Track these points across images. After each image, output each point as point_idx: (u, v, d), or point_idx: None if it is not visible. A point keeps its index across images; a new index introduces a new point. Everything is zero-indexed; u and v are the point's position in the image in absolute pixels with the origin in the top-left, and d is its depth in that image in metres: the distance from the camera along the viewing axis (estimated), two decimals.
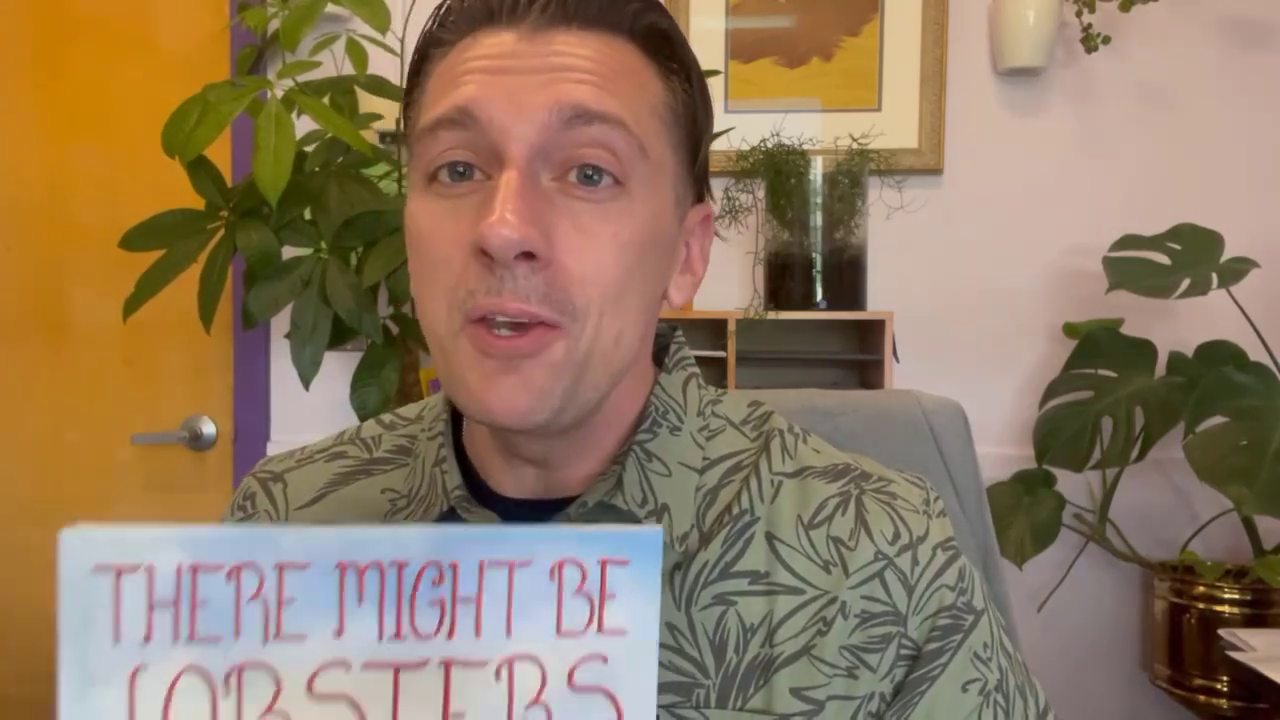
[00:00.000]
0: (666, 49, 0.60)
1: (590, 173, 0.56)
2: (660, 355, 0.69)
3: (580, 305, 0.55)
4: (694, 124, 0.62)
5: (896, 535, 0.62)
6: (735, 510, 0.63)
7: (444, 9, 0.60)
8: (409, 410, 0.75)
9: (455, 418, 0.69)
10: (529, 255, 0.53)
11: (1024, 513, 1.72)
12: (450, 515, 0.64)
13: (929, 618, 0.61)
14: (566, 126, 0.55)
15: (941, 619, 0.61)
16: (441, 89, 0.58)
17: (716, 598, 0.61)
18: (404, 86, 0.64)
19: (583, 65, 0.56)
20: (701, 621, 0.60)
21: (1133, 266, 1.69)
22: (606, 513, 0.62)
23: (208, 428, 1.97)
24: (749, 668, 0.60)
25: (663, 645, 0.59)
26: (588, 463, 0.63)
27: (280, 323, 1.81)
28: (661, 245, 0.60)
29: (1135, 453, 1.70)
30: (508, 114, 0.55)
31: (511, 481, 0.64)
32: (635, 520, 0.61)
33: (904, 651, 0.61)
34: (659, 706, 0.58)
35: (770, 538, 0.62)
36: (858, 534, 0.62)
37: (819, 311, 1.73)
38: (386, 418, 0.75)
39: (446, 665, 0.43)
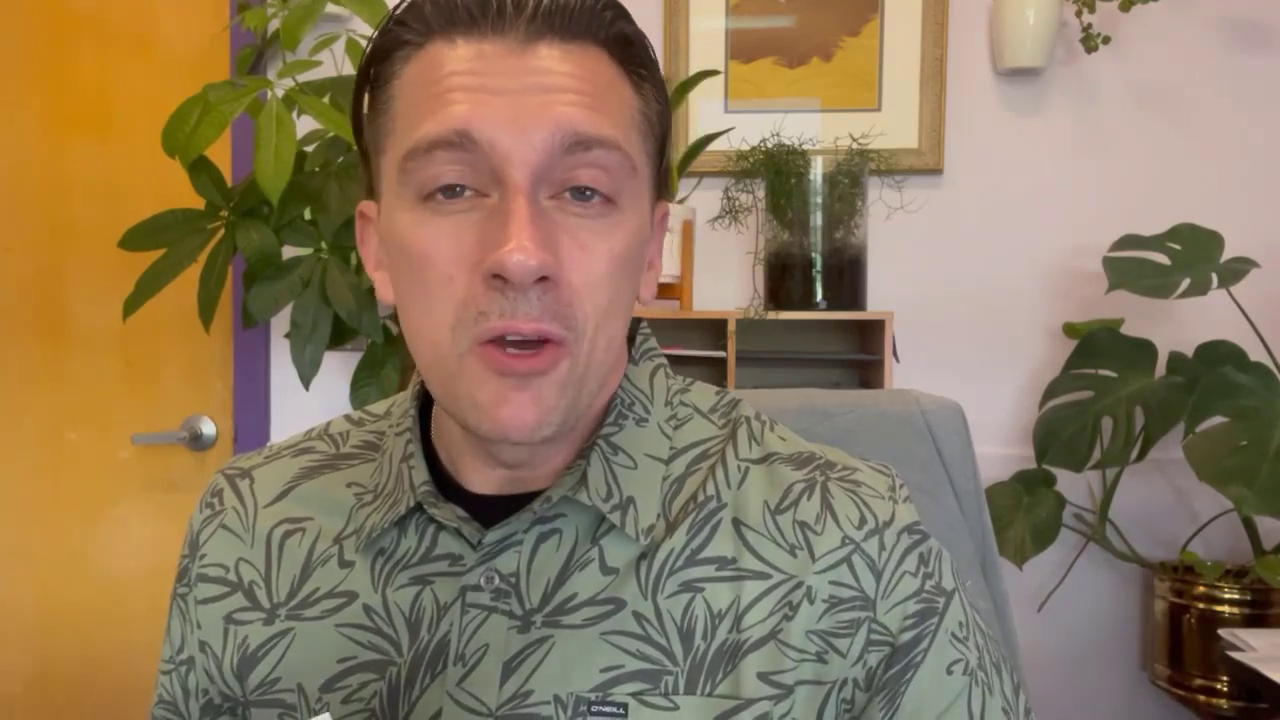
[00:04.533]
0: (636, 56, 0.61)
1: (584, 190, 0.57)
2: (627, 346, 0.70)
3: (581, 320, 0.57)
4: (662, 128, 0.63)
5: (863, 520, 0.63)
6: (701, 497, 0.64)
7: (409, 6, 0.59)
8: (378, 407, 0.76)
9: (423, 415, 0.70)
10: (543, 278, 0.55)
11: (1024, 513, 1.72)
12: (417, 510, 0.65)
13: (899, 604, 0.62)
14: (567, 151, 0.56)
15: (913, 605, 0.62)
16: (425, 102, 0.57)
17: (683, 585, 0.61)
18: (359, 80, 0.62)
19: (572, 84, 0.56)
20: (668, 609, 0.61)
21: (1133, 266, 1.69)
22: (571, 507, 0.63)
23: (208, 428, 1.97)
24: (717, 653, 0.60)
25: (630, 634, 0.60)
26: (559, 456, 0.64)
27: (280, 323, 1.81)
28: (641, 250, 0.62)
29: (1135, 453, 1.70)
30: (509, 138, 0.55)
31: (480, 478, 0.65)
32: (598, 515, 0.62)
33: (874, 637, 0.61)
34: (628, 694, 0.59)
35: (737, 524, 0.63)
36: (824, 519, 0.63)
37: (819, 311, 1.73)
38: (355, 414, 0.76)
39: None
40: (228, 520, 0.71)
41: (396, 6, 0.59)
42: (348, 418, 0.76)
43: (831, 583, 0.61)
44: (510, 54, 0.56)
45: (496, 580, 0.62)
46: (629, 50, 0.60)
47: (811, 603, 0.61)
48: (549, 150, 0.55)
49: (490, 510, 0.63)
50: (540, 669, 0.60)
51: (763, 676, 0.60)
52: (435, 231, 0.56)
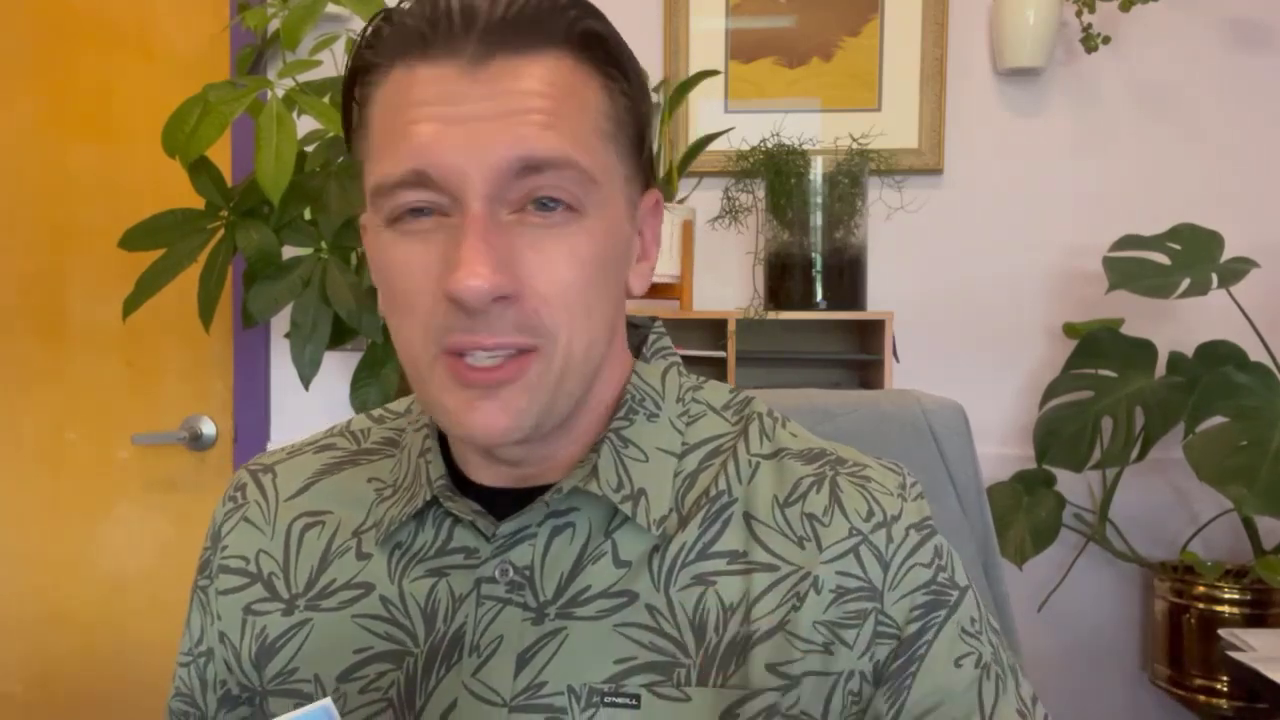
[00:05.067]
0: (604, 53, 0.61)
1: (546, 202, 0.57)
2: (640, 347, 0.71)
3: (550, 325, 0.58)
4: (636, 122, 0.63)
5: (870, 513, 0.63)
6: (713, 492, 0.65)
7: (373, 30, 0.60)
8: (398, 405, 0.77)
9: None
10: (502, 297, 0.56)
11: (1024, 513, 1.72)
12: (434, 504, 0.66)
13: (906, 595, 0.62)
14: (518, 175, 0.56)
15: (920, 596, 0.62)
16: (390, 134, 0.58)
17: (695, 578, 0.62)
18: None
19: (529, 102, 0.56)
20: (680, 601, 0.62)
21: (1133, 266, 1.69)
22: (581, 498, 0.63)
23: (208, 428, 1.97)
24: (729, 647, 0.61)
25: (642, 626, 0.61)
26: (565, 452, 0.65)
27: (280, 323, 1.81)
28: (618, 250, 0.62)
29: (1135, 453, 1.70)
30: (464, 165, 0.56)
31: (489, 475, 0.67)
32: (610, 505, 0.63)
33: (881, 629, 0.61)
34: (640, 686, 0.60)
35: (748, 518, 0.64)
36: (832, 511, 0.63)
37: (819, 311, 1.73)
38: (376, 412, 0.78)
39: None
40: (250, 513, 0.73)
41: (364, 30, 0.61)
42: (368, 415, 0.78)
43: (838, 573, 0.62)
44: (463, 75, 0.56)
45: (511, 572, 0.63)
46: (598, 49, 0.60)
47: (818, 593, 0.61)
48: (500, 177, 0.56)
49: (505, 505, 0.64)
50: (554, 660, 0.61)
51: (770, 667, 0.60)
52: (405, 252, 0.58)
